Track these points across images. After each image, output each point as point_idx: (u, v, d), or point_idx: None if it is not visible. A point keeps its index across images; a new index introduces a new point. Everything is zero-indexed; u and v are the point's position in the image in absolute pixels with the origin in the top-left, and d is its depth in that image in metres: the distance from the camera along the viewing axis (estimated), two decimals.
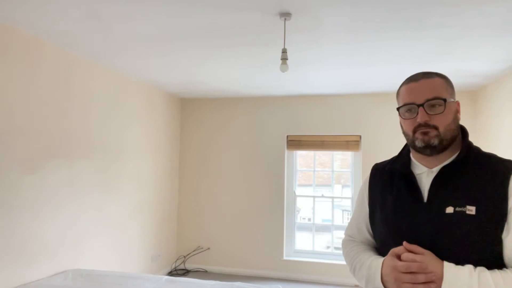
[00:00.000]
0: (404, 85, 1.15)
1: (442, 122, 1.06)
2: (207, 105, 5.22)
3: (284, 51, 2.49)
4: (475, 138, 4.36)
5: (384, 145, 4.60)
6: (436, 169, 1.10)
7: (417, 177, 1.13)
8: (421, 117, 1.06)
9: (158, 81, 4.25)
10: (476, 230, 0.99)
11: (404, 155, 1.21)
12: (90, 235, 3.41)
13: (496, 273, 0.95)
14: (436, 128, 1.06)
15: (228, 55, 3.21)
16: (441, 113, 1.06)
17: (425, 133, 1.06)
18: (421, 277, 0.96)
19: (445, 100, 1.07)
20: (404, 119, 1.12)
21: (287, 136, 4.94)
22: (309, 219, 5.26)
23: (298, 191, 5.08)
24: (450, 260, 0.98)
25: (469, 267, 0.96)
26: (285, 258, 4.82)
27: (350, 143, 4.74)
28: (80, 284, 2.71)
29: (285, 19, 2.37)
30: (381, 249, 1.18)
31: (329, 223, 4.99)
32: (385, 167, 1.24)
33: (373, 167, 1.30)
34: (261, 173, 4.97)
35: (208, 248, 5.08)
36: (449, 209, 1.02)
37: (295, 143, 4.92)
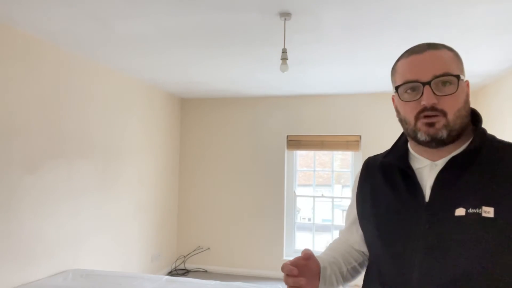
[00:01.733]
0: (403, 58, 0.91)
1: (453, 106, 0.84)
2: (207, 105, 5.22)
3: (284, 51, 2.49)
4: None
5: (384, 145, 4.57)
6: (441, 162, 0.89)
7: (417, 171, 0.92)
8: (427, 99, 0.83)
9: (157, 80, 4.25)
10: (496, 238, 0.78)
11: (400, 146, 1.01)
12: (90, 235, 3.41)
13: None
14: (444, 114, 0.84)
15: (228, 55, 3.21)
16: (452, 93, 0.84)
17: (430, 124, 0.85)
18: (290, 281, 0.86)
19: (458, 77, 0.84)
20: (404, 101, 0.89)
21: (287, 136, 4.94)
22: (309, 219, 5.26)
23: (298, 191, 5.08)
24: (458, 275, 0.79)
25: None
26: (285, 258, 4.82)
27: (350, 143, 4.74)
28: (80, 284, 2.71)
29: (285, 19, 2.37)
30: (372, 257, 1.00)
31: (329, 223, 4.99)
32: (378, 161, 1.04)
33: (365, 161, 1.11)
34: (261, 173, 4.97)
35: (208, 248, 5.08)
36: (460, 211, 0.81)
37: (295, 143, 4.92)
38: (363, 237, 1.04)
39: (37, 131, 2.84)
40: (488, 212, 0.79)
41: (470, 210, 0.80)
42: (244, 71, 3.74)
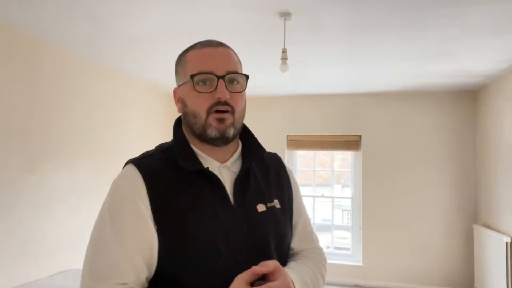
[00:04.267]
0: (195, 49, 0.92)
1: (239, 105, 0.89)
2: None
3: (284, 51, 2.50)
4: (475, 138, 4.37)
5: (384, 145, 4.60)
6: (229, 163, 0.93)
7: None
8: (222, 92, 0.84)
9: (158, 81, 4.25)
10: (283, 222, 0.96)
11: (184, 146, 0.92)
12: (90, 235, 3.41)
13: (308, 266, 0.97)
14: (233, 111, 0.87)
15: None
16: (240, 92, 0.89)
17: (221, 120, 0.86)
18: None
19: (247, 77, 0.92)
20: (198, 92, 0.86)
21: (287, 136, 4.94)
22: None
23: None
24: (266, 258, 0.87)
25: (299, 271, 0.91)
26: None
27: (350, 143, 4.74)
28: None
29: (285, 19, 2.38)
30: (173, 271, 0.83)
31: (329, 223, 4.99)
32: (163, 165, 0.89)
33: (137, 168, 0.87)
34: None
35: None
36: (261, 207, 0.91)
37: (295, 143, 4.92)
38: (153, 260, 0.83)
39: (37, 131, 2.84)
40: (277, 203, 0.95)
41: (269, 205, 0.93)
42: (244, 71, 3.73)
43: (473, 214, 4.34)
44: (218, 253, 0.83)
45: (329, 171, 5.23)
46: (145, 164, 0.88)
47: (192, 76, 0.86)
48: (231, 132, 0.87)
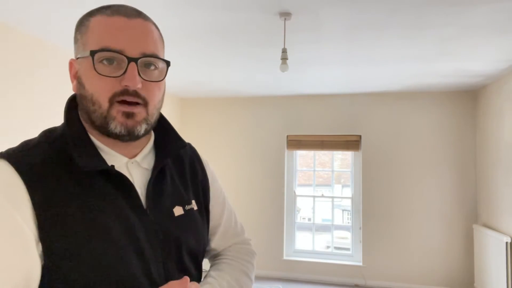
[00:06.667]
0: (103, 15, 0.69)
1: (155, 96, 0.72)
2: (207, 105, 5.22)
3: (284, 51, 2.50)
4: (475, 138, 4.37)
5: (384, 145, 4.60)
6: (140, 159, 0.77)
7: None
8: (133, 80, 0.66)
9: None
10: (201, 225, 0.85)
11: (82, 137, 0.73)
12: None
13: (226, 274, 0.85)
14: (145, 104, 0.70)
15: (228, 55, 3.21)
16: (158, 81, 0.72)
17: (129, 115, 0.68)
18: None
19: (168, 64, 0.73)
20: (100, 74, 0.66)
21: (287, 136, 4.95)
22: (309, 219, 5.26)
23: (298, 191, 5.08)
24: (186, 264, 0.79)
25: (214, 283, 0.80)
26: (285, 258, 4.82)
27: (350, 143, 4.74)
28: None
29: (285, 19, 2.38)
30: None
31: (329, 223, 4.99)
32: (51, 162, 0.69)
33: (19, 165, 0.66)
34: (261, 173, 4.97)
35: None
36: (178, 210, 0.78)
37: (295, 143, 4.92)
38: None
39: (38, 131, 2.84)
40: (195, 204, 0.84)
41: (187, 207, 0.81)
42: (244, 71, 3.74)
43: (473, 214, 4.34)
44: (133, 277, 0.67)
45: (329, 171, 5.23)
46: (26, 161, 0.67)
47: (93, 53, 0.66)
48: (142, 129, 0.71)
